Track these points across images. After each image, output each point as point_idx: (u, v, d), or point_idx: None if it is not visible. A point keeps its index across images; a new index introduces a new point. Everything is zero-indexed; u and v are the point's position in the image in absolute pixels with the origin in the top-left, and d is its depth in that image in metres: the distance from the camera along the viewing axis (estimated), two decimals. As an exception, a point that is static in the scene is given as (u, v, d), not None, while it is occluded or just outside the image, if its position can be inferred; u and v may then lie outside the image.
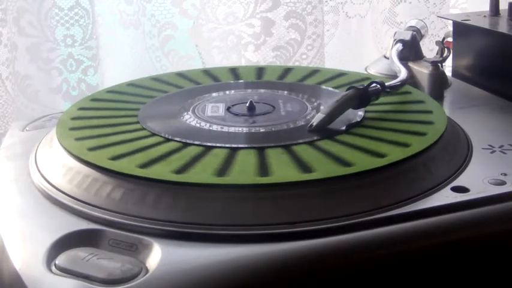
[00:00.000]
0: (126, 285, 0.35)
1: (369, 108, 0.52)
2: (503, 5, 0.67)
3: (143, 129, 0.49)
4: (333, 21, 0.94)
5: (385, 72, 0.66)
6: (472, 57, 0.67)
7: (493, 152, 0.48)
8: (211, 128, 0.49)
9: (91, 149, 0.46)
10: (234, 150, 0.45)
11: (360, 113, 0.51)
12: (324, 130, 0.48)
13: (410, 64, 0.63)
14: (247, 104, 0.53)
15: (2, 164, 0.50)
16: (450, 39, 0.68)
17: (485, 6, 0.68)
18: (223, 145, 0.46)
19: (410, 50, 0.65)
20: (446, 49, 0.67)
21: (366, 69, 0.69)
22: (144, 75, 0.65)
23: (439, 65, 0.62)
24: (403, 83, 0.57)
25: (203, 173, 0.42)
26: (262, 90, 0.58)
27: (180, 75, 0.63)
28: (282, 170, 0.42)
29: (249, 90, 0.59)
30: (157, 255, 0.37)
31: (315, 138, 0.47)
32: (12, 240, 0.40)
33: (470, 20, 0.66)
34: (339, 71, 0.63)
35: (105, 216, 0.40)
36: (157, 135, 0.48)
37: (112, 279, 0.35)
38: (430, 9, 0.94)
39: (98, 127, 0.51)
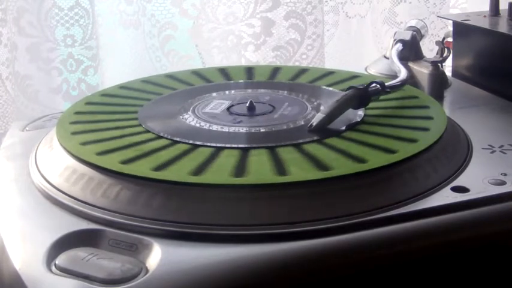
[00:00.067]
0: (126, 285, 0.35)
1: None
2: (503, 5, 0.67)
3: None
4: (333, 21, 0.94)
5: (385, 72, 0.66)
6: (472, 57, 0.67)
7: (493, 152, 0.48)
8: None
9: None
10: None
11: (360, 112, 0.52)
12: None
13: (410, 64, 0.63)
14: (247, 104, 0.53)
15: (2, 164, 0.50)
16: (450, 39, 0.68)
17: (485, 6, 0.68)
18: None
19: (410, 50, 0.65)
20: (446, 49, 0.67)
21: (366, 69, 0.69)
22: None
23: (439, 65, 0.62)
24: (403, 83, 0.57)
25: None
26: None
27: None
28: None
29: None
30: (157, 255, 0.37)
31: (309, 139, 0.47)
32: (12, 240, 0.40)
33: (470, 20, 0.66)
34: (327, 70, 0.64)
35: (105, 216, 0.40)
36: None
37: (112, 279, 0.35)
38: (430, 9, 0.94)
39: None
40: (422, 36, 0.68)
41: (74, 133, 0.49)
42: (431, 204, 0.41)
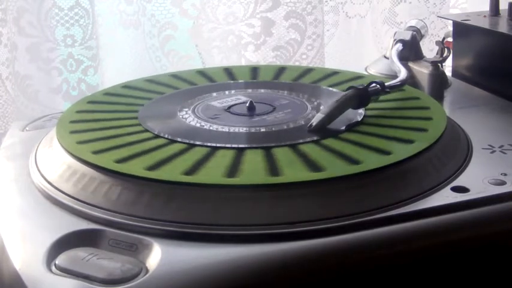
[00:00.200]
0: (126, 285, 0.35)
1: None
2: (503, 5, 0.67)
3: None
4: (333, 21, 0.94)
5: (385, 72, 0.66)
6: (472, 57, 0.67)
7: (493, 152, 0.48)
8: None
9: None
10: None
11: (361, 111, 0.51)
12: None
13: (410, 64, 0.63)
14: (247, 104, 0.53)
15: (2, 164, 0.50)
16: (450, 39, 0.68)
17: (485, 6, 0.68)
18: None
19: (410, 50, 0.65)
20: (446, 49, 0.67)
21: (366, 69, 0.69)
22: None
23: (439, 65, 0.62)
24: (403, 83, 0.57)
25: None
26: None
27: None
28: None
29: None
30: (157, 255, 0.37)
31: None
32: (12, 240, 0.40)
33: (470, 20, 0.66)
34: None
35: (105, 216, 0.40)
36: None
37: (112, 279, 0.35)
38: (430, 9, 0.94)
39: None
40: (422, 36, 0.68)
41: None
42: (431, 204, 0.41)
